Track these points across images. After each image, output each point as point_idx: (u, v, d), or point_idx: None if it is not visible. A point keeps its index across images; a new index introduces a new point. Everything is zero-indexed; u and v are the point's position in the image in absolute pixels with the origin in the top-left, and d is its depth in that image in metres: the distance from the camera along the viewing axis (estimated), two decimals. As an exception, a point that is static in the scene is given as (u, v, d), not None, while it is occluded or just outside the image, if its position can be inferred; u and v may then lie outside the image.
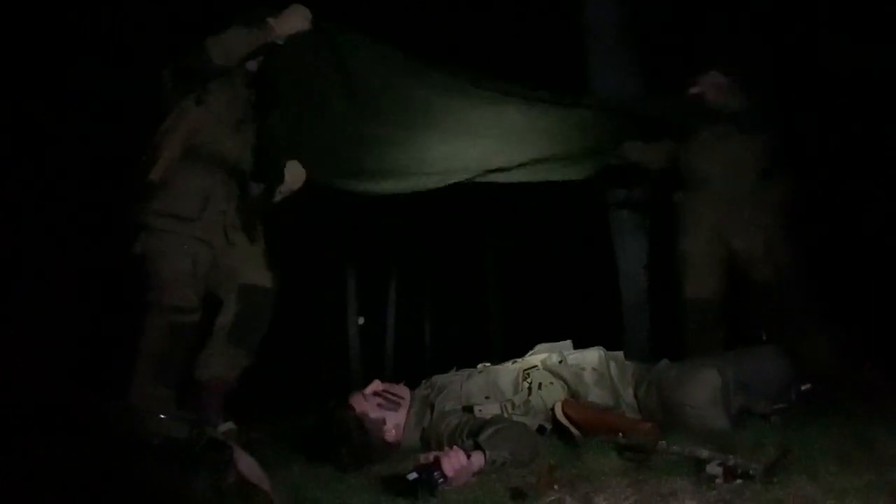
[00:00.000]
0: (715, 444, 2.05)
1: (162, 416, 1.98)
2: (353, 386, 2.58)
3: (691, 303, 3.54)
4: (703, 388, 2.37)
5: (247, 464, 1.89)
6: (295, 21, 2.79)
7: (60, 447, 1.73)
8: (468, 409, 2.46)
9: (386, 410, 2.49)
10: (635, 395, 2.54)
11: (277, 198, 3.06)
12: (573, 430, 2.38)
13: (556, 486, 1.83)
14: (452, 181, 3.11)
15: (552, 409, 2.44)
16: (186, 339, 2.85)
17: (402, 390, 2.59)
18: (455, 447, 2.03)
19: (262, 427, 2.96)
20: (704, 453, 1.90)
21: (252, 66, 2.97)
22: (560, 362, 2.55)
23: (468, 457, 1.98)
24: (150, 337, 2.78)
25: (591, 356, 2.60)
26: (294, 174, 3.03)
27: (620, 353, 2.66)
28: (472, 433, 2.21)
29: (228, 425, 2.74)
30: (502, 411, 2.45)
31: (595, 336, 2.90)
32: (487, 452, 2.03)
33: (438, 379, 2.68)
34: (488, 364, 2.72)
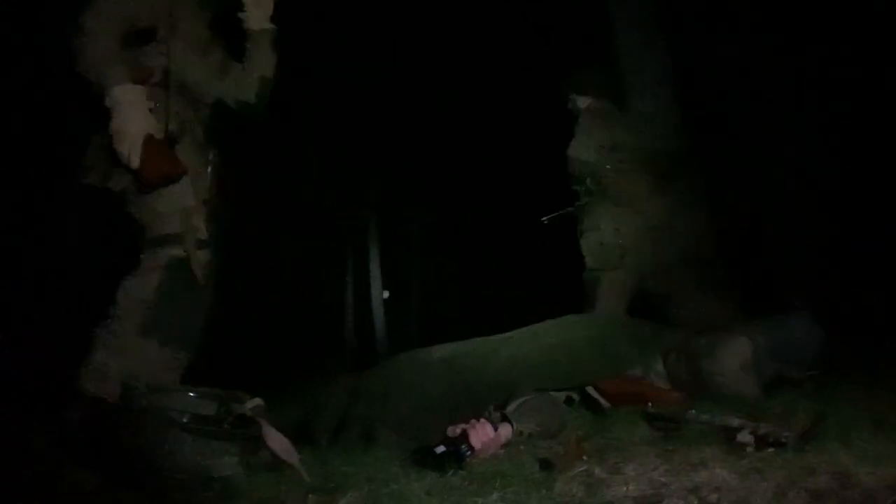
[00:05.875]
0: (746, 411, 2.04)
1: (190, 394, 1.99)
2: (378, 358, 2.55)
3: None
4: (734, 356, 2.35)
5: (276, 440, 1.90)
6: None
7: (87, 424, 1.75)
8: (495, 381, 2.45)
9: None
10: (664, 364, 2.52)
11: None
12: (601, 400, 2.36)
13: (584, 457, 1.82)
14: None
15: (579, 380, 2.42)
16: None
17: None
18: (482, 420, 2.02)
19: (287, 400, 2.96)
20: (735, 421, 1.88)
21: None
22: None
23: (495, 429, 1.98)
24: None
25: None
26: None
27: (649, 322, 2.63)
28: (498, 405, 2.21)
29: (256, 401, 2.74)
30: (529, 383, 2.43)
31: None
32: (515, 424, 2.03)
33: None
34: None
